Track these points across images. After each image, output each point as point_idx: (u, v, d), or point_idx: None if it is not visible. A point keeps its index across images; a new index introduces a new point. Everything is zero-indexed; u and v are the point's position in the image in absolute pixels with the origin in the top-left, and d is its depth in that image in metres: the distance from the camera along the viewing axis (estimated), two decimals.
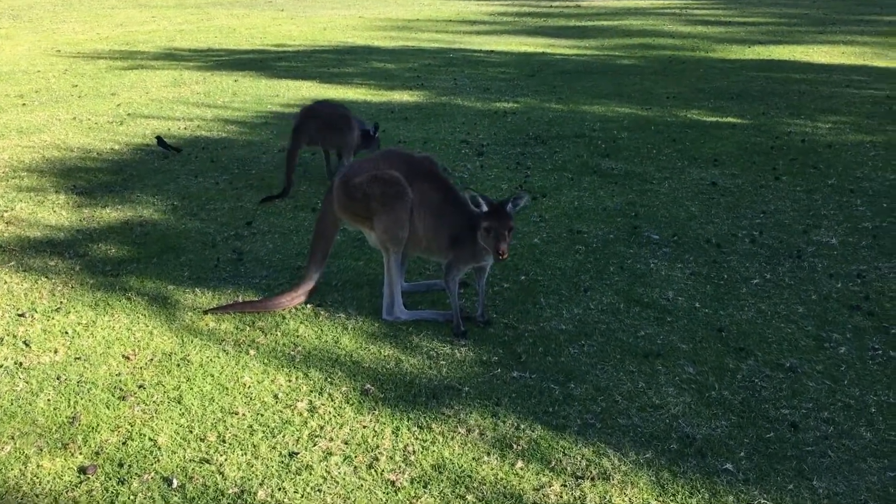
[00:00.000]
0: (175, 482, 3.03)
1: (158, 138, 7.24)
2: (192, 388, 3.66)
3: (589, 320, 4.25)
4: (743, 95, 9.32)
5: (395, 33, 15.52)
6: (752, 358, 3.87)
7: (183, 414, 3.47)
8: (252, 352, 3.96)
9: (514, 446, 3.25)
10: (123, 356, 3.93)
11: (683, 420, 3.41)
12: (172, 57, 12.84)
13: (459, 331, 4.14)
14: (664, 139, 7.57)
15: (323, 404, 3.53)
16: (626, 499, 2.94)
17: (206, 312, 4.35)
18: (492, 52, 13.06)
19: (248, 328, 4.20)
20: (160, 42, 14.59)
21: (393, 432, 3.34)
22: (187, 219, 5.74)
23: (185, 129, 8.25)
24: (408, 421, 3.42)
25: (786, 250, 5.07)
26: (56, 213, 5.88)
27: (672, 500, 2.94)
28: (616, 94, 9.64)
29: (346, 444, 3.27)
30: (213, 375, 3.76)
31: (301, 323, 4.25)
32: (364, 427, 3.37)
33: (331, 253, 4.59)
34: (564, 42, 13.91)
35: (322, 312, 4.37)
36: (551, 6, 19.85)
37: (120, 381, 3.71)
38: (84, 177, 6.70)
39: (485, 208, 3.98)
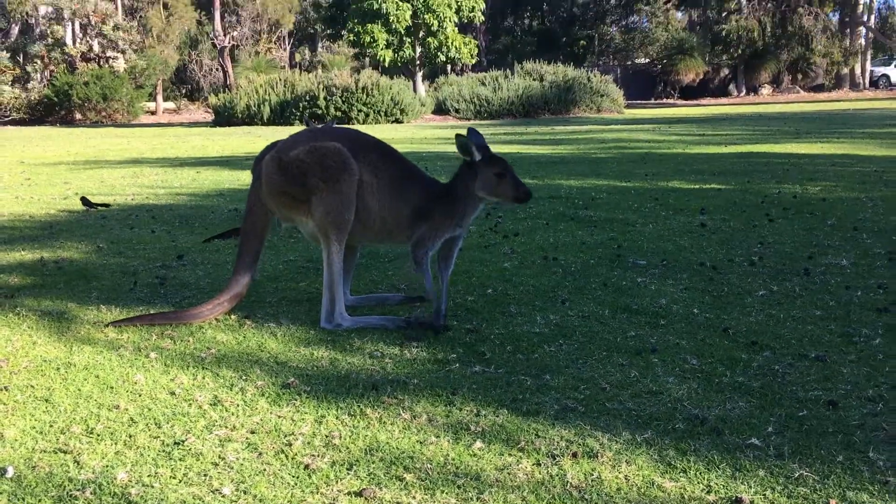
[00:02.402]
0: (11, 471, 2.22)
1: (83, 198, 6.82)
2: (67, 388, 2.88)
3: (568, 325, 3.53)
4: (725, 172, 8.91)
5: None
6: (769, 350, 3.16)
7: (48, 411, 2.68)
8: (153, 354, 3.20)
9: (473, 428, 2.48)
10: None
11: (689, 403, 2.66)
12: (138, 162, 12.45)
13: (439, 323, 3.51)
14: (645, 198, 7.05)
15: (230, 398, 2.76)
16: (621, 475, 2.16)
17: (107, 325, 3.60)
18: None
19: (154, 337, 3.44)
20: (129, 155, 14.28)
21: (316, 420, 2.57)
22: (111, 256, 5.05)
23: (133, 200, 7.66)
24: (337, 410, 2.65)
25: (791, 270, 4.42)
26: None
27: (682, 477, 2.16)
28: (593, 173, 9.23)
29: (252, 432, 2.49)
30: (98, 376, 2.99)
31: (221, 332, 3.51)
32: (279, 417, 2.60)
33: (262, 256, 3.87)
34: (539, 147, 13.70)
35: (248, 322, 3.64)
36: (526, 130, 19.96)
37: None
38: (7, 232, 6.03)
39: (478, 156, 3.52)
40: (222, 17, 45.23)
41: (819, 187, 7.49)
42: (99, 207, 6.90)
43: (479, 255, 4.96)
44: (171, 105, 45.76)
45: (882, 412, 2.55)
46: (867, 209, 6.20)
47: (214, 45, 44.72)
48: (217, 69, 46.16)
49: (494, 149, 3.84)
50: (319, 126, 3.89)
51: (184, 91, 49.23)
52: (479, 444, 2.37)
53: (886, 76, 46.64)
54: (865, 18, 46.52)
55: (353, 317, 3.59)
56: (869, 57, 47.61)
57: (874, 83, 46.74)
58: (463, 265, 4.66)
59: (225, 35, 43.80)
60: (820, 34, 44.48)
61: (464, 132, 3.58)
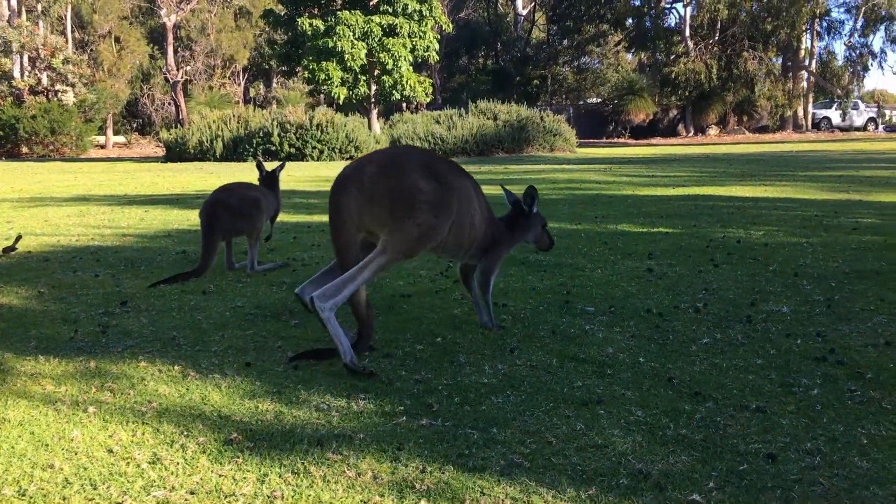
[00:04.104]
0: None
1: (4, 248, 6.72)
2: (0, 446, 2.79)
3: (516, 375, 3.54)
4: (672, 215, 9.08)
5: (321, 183, 15.31)
6: (711, 401, 3.20)
7: None
8: (92, 409, 3.13)
9: (417, 486, 2.46)
10: None
11: (633, 457, 2.68)
12: (85, 200, 12.23)
13: (494, 324, 4.28)
14: (595, 242, 7.14)
15: (170, 455, 2.70)
16: None
17: (290, 360, 3.73)
18: None
19: (94, 389, 3.36)
20: (76, 191, 14.03)
21: (258, 479, 2.53)
22: (51, 302, 4.94)
23: (77, 241, 7.51)
24: (280, 468, 2.61)
25: (734, 317, 4.51)
26: None
27: None
28: (545, 215, 9.30)
29: (191, 493, 2.43)
30: (33, 433, 2.91)
31: (164, 384, 3.44)
32: (220, 476, 2.55)
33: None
34: (491, 188, 13.78)
35: (192, 373, 3.57)
36: (479, 169, 20.13)
37: None
38: None
39: (535, 209, 4.40)
40: (175, 52, 45.07)
41: (762, 231, 7.67)
42: (16, 248, 6.79)
43: (430, 300, 4.97)
44: (121, 139, 45.29)
45: (820, 466, 2.60)
46: (808, 255, 6.36)
47: (167, 80, 44.50)
48: (169, 104, 45.89)
49: None
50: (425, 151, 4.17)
51: (135, 125, 48.79)
52: (423, 503, 2.35)
53: (828, 118, 48.24)
54: (807, 63, 48.14)
55: (335, 322, 3.57)
56: (811, 100, 49.24)
57: (816, 125, 48.31)
58: (413, 311, 4.67)
59: (178, 69, 43.62)
60: (764, 77, 45.94)
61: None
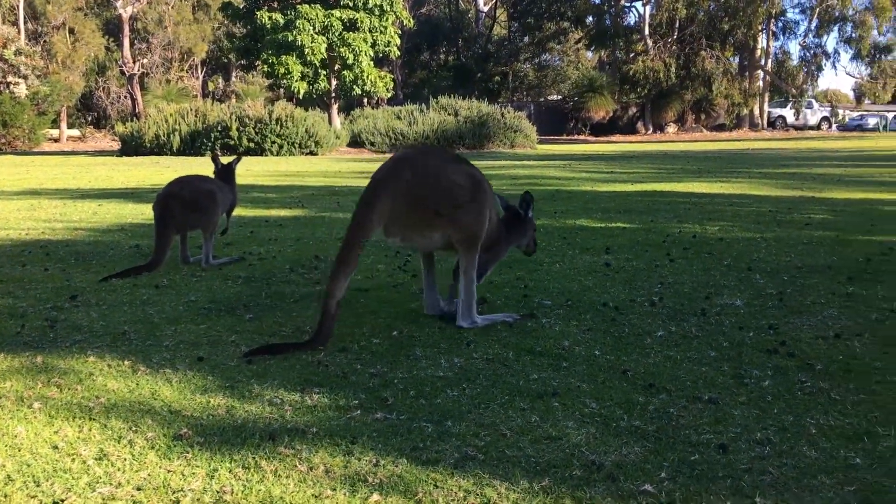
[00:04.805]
0: None
1: None
2: None
3: (472, 368, 3.53)
4: (630, 211, 9.16)
5: (280, 178, 15.21)
6: (665, 393, 3.22)
7: None
8: (37, 405, 3.05)
9: (370, 479, 2.44)
10: None
11: (587, 448, 2.68)
12: (36, 193, 11.97)
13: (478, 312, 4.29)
14: (554, 237, 7.17)
15: (117, 451, 2.64)
16: None
17: (245, 355, 3.66)
18: None
19: (40, 385, 3.28)
20: (27, 185, 13.74)
21: (208, 474, 2.48)
22: None
23: (27, 235, 7.34)
24: (230, 462, 2.56)
25: (689, 310, 4.55)
26: None
27: None
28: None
29: (138, 489, 2.38)
30: None
31: (112, 378, 3.37)
32: (168, 471, 2.50)
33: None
34: None
35: (142, 368, 3.50)
36: None
37: None
38: None
39: (530, 214, 4.74)
40: (131, 44, 44.33)
41: (717, 227, 7.77)
42: None
43: (388, 294, 4.94)
44: (75, 133, 44.47)
45: (769, 455, 2.63)
46: (761, 249, 6.45)
47: (123, 73, 43.75)
48: (125, 97, 45.12)
49: None
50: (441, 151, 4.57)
51: (90, 119, 47.92)
52: (375, 496, 2.33)
53: (783, 117, 49.18)
54: (763, 62, 48.97)
55: (487, 317, 4.23)
56: (767, 99, 50.12)
57: (771, 124, 49.21)
58: (370, 305, 4.65)
59: (134, 62, 42.91)
60: (721, 76, 46.63)
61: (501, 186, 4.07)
